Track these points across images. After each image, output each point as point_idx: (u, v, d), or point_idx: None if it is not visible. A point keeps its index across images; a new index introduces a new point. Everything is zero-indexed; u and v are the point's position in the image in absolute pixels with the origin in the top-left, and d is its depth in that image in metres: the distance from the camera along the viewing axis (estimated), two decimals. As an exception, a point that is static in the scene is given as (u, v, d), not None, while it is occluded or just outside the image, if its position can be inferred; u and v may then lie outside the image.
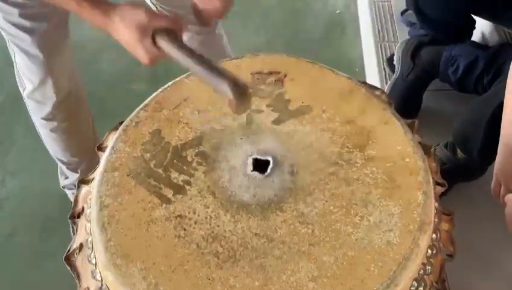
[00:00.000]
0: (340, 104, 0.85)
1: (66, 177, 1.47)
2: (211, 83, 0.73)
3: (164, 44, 0.76)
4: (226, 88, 0.71)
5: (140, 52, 0.77)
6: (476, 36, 1.41)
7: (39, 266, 1.40)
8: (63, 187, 1.50)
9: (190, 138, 0.82)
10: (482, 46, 1.32)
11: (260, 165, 0.78)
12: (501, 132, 0.90)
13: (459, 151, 1.21)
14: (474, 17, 1.32)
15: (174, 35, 0.77)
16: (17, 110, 1.74)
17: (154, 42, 0.76)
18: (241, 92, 0.71)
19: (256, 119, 0.84)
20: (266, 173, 0.77)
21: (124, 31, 0.75)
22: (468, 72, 1.26)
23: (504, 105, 0.90)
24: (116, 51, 1.93)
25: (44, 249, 1.43)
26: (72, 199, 0.82)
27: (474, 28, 1.35)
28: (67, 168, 1.41)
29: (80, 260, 0.74)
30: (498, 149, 0.91)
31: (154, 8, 1.36)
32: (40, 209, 1.53)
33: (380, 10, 1.82)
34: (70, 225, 0.80)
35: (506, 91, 0.89)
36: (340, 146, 0.80)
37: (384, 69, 1.60)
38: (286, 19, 2.08)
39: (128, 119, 0.85)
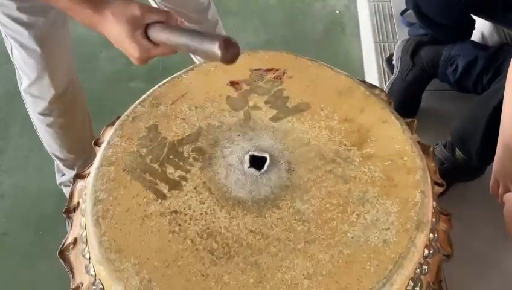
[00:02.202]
0: (339, 102, 0.85)
1: (63, 175, 1.46)
2: (203, 49, 0.69)
3: (155, 33, 0.73)
4: (214, 45, 0.66)
5: (131, 47, 0.74)
6: (475, 36, 1.41)
7: (34, 265, 1.40)
8: (60, 184, 1.49)
9: (187, 134, 0.81)
10: (481, 46, 1.32)
11: (257, 162, 0.78)
12: (500, 131, 0.90)
13: (457, 151, 1.21)
14: (474, 17, 1.32)
15: (163, 24, 0.74)
16: (14, 108, 1.74)
17: (146, 37, 0.74)
18: (228, 44, 0.67)
19: (254, 116, 0.84)
20: (263, 170, 0.77)
21: (115, 26, 0.73)
22: (467, 72, 1.26)
23: (503, 104, 0.89)
24: (115, 49, 1.93)
25: (39, 247, 1.43)
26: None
27: (474, 28, 1.35)
28: (64, 165, 1.40)
29: (73, 255, 0.73)
30: (497, 148, 0.91)
31: (155, 6, 1.35)
32: (35, 208, 1.52)
33: (380, 10, 1.82)
34: (66, 220, 0.79)
35: (505, 90, 0.89)
36: (338, 144, 0.79)
37: (383, 68, 1.60)
38: (285, 19, 2.08)
39: (125, 114, 0.84)
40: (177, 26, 0.74)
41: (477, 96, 1.21)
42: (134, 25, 0.72)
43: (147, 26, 0.73)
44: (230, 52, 0.66)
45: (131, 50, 0.75)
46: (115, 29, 0.73)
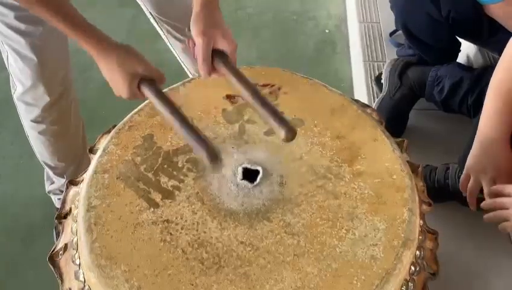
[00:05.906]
0: (332, 119, 0.87)
1: (52, 183, 1.45)
2: (188, 142, 0.77)
3: (148, 93, 0.82)
4: (202, 154, 0.73)
5: (124, 92, 0.83)
6: (461, 58, 1.45)
7: (20, 273, 1.37)
8: (49, 192, 1.47)
9: (182, 144, 0.82)
10: (466, 67, 1.35)
11: (250, 175, 0.79)
12: (477, 131, 0.96)
13: None
14: (460, 39, 1.36)
15: (155, 85, 0.83)
16: (5, 115, 1.72)
17: (138, 86, 0.83)
18: (214, 159, 0.73)
19: (248, 130, 0.85)
20: (255, 183, 0.78)
21: (117, 72, 0.82)
22: (452, 92, 1.28)
23: (483, 106, 0.94)
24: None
25: (26, 256, 1.41)
26: (57, 205, 0.82)
27: (460, 50, 1.39)
28: (54, 173, 1.39)
29: (63, 261, 0.73)
30: (473, 145, 0.96)
31: (153, 21, 1.36)
32: (23, 217, 1.50)
33: (369, 31, 1.85)
34: (55, 227, 0.79)
35: (486, 94, 0.95)
36: (330, 160, 0.81)
37: (372, 87, 1.63)
38: (277, 37, 2.11)
39: (121, 122, 0.85)
40: (168, 100, 0.80)
41: (463, 116, 1.24)
42: (134, 77, 0.82)
43: (141, 79, 0.82)
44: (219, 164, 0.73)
45: (123, 93, 0.84)
46: (115, 74, 0.82)
